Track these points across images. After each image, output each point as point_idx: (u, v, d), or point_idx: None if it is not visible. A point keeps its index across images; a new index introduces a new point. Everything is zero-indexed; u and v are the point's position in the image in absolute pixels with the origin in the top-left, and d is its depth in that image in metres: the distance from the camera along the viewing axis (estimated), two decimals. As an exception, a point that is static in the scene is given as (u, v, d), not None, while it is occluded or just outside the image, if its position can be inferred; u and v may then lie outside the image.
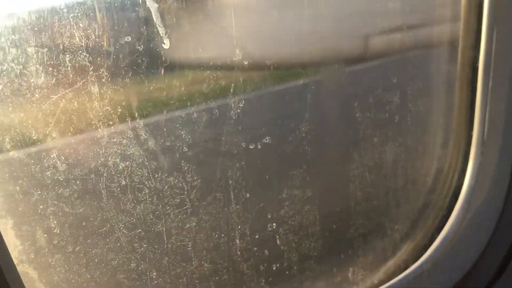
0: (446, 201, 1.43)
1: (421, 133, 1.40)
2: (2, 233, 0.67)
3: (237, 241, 0.98)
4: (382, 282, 1.31)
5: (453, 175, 1.42)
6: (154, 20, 0.77)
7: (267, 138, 0.95)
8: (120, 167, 0.82)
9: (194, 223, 0.92)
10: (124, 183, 0.83)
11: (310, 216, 1.06)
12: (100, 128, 0.80)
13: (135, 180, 0.84)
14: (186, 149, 0.87)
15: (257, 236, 1.00)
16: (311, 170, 1.04)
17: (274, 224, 1.01)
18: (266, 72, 0.93)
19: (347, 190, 1.19)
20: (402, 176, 1.39)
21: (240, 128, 0.91)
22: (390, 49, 1.28)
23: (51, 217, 0.80)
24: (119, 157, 0.82)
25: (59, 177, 0.79)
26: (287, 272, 1.06)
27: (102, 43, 0.75)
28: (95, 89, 0.76)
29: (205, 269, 0.95)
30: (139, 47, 0.77)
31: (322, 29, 1.03)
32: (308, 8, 0.98)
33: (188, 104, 0.87)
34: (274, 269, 1.03)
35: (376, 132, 1.25)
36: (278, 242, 1.03)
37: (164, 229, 0.89)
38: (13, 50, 0.70)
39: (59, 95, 0.74)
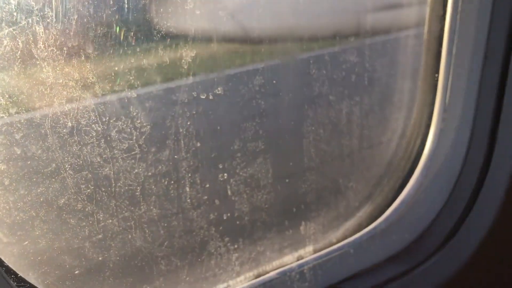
0: (407, 164, 1.45)
1: (385, 97, 1.42)
2: None
3: (187, 188, 1.00)
4: (337, 241, 1.34)
5: (415, 139, 1.44)
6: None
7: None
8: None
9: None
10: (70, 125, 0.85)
11: (262, 169, 1.08)
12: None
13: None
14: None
15: (207, 186, 1.02)
16: (266, 123, 1.06)
17: (225, 174, 1.04)
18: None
19: (308, 148, 1.21)
20: (365, 138, 1.41)
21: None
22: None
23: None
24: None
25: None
26: (238, 222, 1.09)
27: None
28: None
29: (154, 214, 0.98)
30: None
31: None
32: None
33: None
34: (224, 218, 1.06)
35: (341, 94, 1.27)
36: (229, 192, 1.05)
37: (112, 172, 0.91)
38: None
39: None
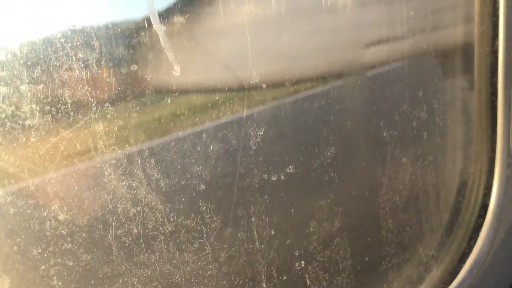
0: (473, 219, 1.34)
1: (440, 148, 1.32)
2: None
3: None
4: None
5: (477, 190, 1.33)
6: (162, 45, 0.68)
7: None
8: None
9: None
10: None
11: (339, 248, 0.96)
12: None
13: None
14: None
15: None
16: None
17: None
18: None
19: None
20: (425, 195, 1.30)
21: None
22: (401, 56, 1.19)
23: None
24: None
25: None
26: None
27: (105, 74, 0.65)
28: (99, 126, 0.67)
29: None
30: (147, 76, 0.68)
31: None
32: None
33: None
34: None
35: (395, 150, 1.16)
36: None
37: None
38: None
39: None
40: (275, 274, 0.87)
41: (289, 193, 0.87)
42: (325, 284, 0.94)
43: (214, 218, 0.80)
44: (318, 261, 0.93)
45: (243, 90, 0.81)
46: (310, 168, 0.89)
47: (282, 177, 0.85)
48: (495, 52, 1.19)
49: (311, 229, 0.91)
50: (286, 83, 0.86)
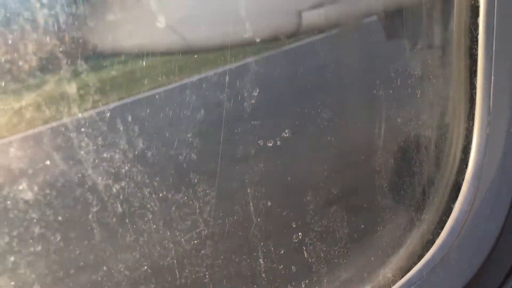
0: (452, 179, 1.31)
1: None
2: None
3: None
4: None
5: (456, 150, 1.31)
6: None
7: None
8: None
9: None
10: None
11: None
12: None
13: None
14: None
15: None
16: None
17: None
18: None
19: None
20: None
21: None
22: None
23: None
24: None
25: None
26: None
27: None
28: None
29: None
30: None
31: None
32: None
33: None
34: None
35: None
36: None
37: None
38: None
39: None
40: (272, 248, 0.80)
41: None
42: (322, 255, 0.88)
43: (207, 191, 0.70)
44: (315, 231, 0.86)
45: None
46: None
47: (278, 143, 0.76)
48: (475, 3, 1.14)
49: (308, 198, 0.83)
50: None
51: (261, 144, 0.75)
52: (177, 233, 0.69)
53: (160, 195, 0.67)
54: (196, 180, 0.69)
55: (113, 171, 0.61)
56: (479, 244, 1.23)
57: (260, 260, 0.78)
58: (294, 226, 0.82)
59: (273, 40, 0.87)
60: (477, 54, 1.17)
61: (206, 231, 0.71)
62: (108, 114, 0.59)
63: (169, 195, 0.68)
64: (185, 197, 0.69)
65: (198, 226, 0.70)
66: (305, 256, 0.84)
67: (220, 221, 0.73)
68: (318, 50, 0.98)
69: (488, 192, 1.27)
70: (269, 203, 0.77)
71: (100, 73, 0.61)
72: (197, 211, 0.69)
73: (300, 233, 0.82)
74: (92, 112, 0.59)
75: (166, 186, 0.67)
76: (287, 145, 0.79)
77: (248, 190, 0.74)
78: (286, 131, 0.79)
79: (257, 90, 0.75)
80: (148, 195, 0.65)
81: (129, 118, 0.61)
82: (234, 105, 0.72)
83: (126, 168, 0.61)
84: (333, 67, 0.98)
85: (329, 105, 0.95)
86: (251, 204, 0.75)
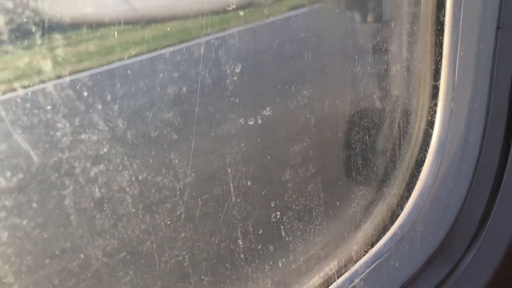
0: (416, 152, 1.34)
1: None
2: None
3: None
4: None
5: (419, 124, 1.33)
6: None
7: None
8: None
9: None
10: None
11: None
12: None
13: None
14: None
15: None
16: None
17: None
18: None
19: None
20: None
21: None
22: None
23: None
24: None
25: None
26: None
27: None
28: None
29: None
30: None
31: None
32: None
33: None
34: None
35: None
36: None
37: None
38: None
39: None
40: (251, 229, 0.78)
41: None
42: (299, 234, 0.87)
43: (188, 173, 0.67)
44: (293, 210, 0.85)
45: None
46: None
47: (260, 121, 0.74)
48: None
49: (287, 176, 0.82)
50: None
51: (242, 123, 0.72)
52: (157, 217, 0.66)
53: (134, 178, 0.63)
54: (173, 161, 0.66)
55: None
56: (443, 216, 1.27)
57: (239, 240, 0.77)
58: (273, 205, 0.81)
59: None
60: (443, 29, 1.18)
61: (184, 214, 0.69)
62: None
63: (142, 177, 0.64)
64: (164, 179, 0.66)
65: (178, 208, 0.68)
66: (283, 235, 0.84)
67: (200, 202, 0.70)
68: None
69: (451, 166, 1.30)
70: (249, 183, 0.75)
71: (52, 43, 0.56)
72: (177, 193, 0.67)
73: (278, 212, 0.81)
74: (44, 85, 0.54)
75: (140, 167, 0.64)
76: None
77: (229, 170, 0.72)
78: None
79: (234, 65, 0.71)
80: (119, 177, 0.61)
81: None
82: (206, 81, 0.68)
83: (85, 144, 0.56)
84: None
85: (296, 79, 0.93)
86: (231, 184, 0.73)
